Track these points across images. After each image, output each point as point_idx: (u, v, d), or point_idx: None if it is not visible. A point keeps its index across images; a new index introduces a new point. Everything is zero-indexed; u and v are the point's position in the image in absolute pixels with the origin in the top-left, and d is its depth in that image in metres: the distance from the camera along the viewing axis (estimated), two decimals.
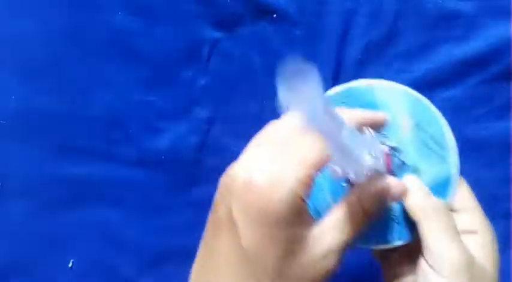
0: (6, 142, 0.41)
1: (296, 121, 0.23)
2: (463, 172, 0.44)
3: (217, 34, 0.41)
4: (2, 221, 0.41)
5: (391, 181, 0.26)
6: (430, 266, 0.25)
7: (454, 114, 0.42)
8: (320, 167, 0.22)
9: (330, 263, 0.23)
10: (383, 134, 0.29)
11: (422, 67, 0.42)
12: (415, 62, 0.42)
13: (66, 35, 0.40)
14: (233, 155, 0.23)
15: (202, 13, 0.40)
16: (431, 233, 0.26)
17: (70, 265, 0.41)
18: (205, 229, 0.25)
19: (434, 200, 0.27)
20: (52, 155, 0.41)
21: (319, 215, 0.25)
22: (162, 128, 0.41)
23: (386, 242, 0.28)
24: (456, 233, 0.26)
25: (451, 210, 0.28)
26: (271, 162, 0.22)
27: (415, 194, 0.27)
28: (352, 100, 0.30)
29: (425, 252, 0.26)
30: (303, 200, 0.22)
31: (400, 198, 0.26)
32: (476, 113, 0.42)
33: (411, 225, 0.27)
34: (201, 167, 0.41)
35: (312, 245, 0.23)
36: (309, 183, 0.22)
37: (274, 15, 0.41)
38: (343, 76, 0.42)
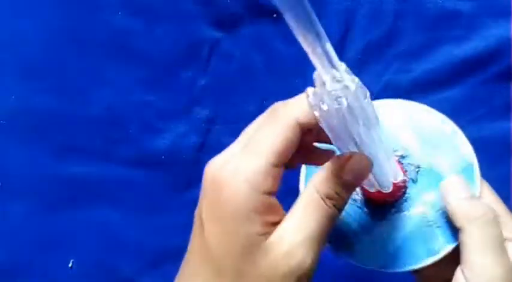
0: (6, 142, 0.41)
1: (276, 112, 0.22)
2: None
3: (217, 34, 0.41)
4: (2, 221, 0.41)
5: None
6: (466, 279, 0.23)
7: (454, 114, 0.42)
8: (285, 157, 0.21)
9: (297, 261, 0.20)
10: None
11: (422, 67, 0.42)
12: (415, 62, 0.42)
13: (66, 35, 0.40)
14: None
15: (202, 13, 0.40)
16: (473, 243, 0.24)
17: (70, 265, 0.41)
18: None
19: (480, 204, 0.25)
20: (52, 155, 0.41)
21: None
22: (162, 128, 0.41)
23: (435, 251, 0.26)
24: (501, 245, 0.24)
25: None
26: (235, 155, 0.21)
27: (458, 196, 0.25)
28: None
29: (464, 263, 0.24)
30: (271, 194, 0.21)
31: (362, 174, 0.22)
32: (476, 113, 0.42)
33: (454, 227, 0.25)
34: (201, 167, 0.41)
35: (272, 244, 0.20)
36: (273, 174, 0.20)
37: (274, 15, 0.41)
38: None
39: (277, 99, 0.22)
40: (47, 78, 0.41)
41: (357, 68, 0.41)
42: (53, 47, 0.40)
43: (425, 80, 0.42)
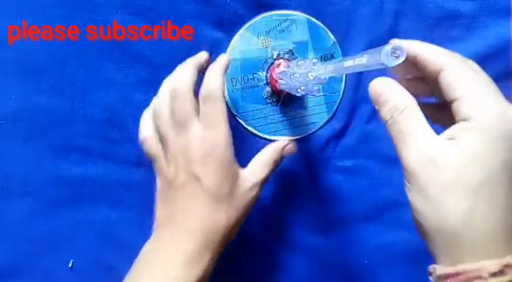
0: (6, 142, 0.41)
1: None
2: None
3: (217, 34, 0.41)
4: (2, 221, 0.41)
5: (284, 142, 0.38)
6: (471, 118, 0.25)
7: None
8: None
9: (255, 193, 0.35)
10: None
11: None
12: None
13: (66, 35, 0.40)
14: None
15: (202, 13, 0.40)
16: (467, 77, 0.27)
17: (70, 265, 0.41)
18: (162, 198, 0.36)
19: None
20: (52, 155, 0.41)
21: None
22: None
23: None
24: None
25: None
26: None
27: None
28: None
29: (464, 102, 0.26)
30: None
31: (291, 151, 0.38)
32: None
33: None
34: None
35: (243, 181, 0.35)
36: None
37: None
38: (344, 76, 0.42)
39: None
40: (47, 78, 0.41)
41: None
42: (53, 47, 0.40)
43: None
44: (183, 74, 0.35)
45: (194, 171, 0.33)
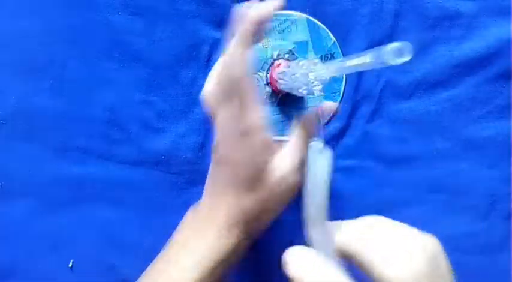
0: (6, 142, 0.41)
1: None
2: (462, 172, 0.45)
3: (217, 34, 0.41)
4: (2, 221, 0.41)
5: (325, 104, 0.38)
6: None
7: (454, 114, 0.42)
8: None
9: (297, 177, 0.32)
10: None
11: (423, 67, 0.42)
12: (415, 62, 0.42)
13: (66, 35, 0.40)
14: None
15: (202, 13, 0.40)
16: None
17: (70, 265, 0.41)
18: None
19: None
20: (52, 154, 0.41)
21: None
22: (162, 128, 0.41)
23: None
24: None
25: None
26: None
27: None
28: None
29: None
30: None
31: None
32: (476, 113, 0.42)
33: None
34: (201, 167, 0.41)
35: (278, 164, 0.32)
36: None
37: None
38: (344, 76, 0.42)
39: None
40: (47, 78, 0.41)
41: None
42: (53, 47, 0.40)
43: (426, 80, 0.42)
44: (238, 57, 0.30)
45: (217, 149, 0.32)
